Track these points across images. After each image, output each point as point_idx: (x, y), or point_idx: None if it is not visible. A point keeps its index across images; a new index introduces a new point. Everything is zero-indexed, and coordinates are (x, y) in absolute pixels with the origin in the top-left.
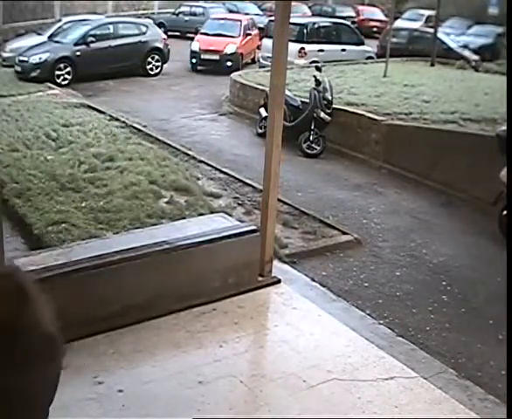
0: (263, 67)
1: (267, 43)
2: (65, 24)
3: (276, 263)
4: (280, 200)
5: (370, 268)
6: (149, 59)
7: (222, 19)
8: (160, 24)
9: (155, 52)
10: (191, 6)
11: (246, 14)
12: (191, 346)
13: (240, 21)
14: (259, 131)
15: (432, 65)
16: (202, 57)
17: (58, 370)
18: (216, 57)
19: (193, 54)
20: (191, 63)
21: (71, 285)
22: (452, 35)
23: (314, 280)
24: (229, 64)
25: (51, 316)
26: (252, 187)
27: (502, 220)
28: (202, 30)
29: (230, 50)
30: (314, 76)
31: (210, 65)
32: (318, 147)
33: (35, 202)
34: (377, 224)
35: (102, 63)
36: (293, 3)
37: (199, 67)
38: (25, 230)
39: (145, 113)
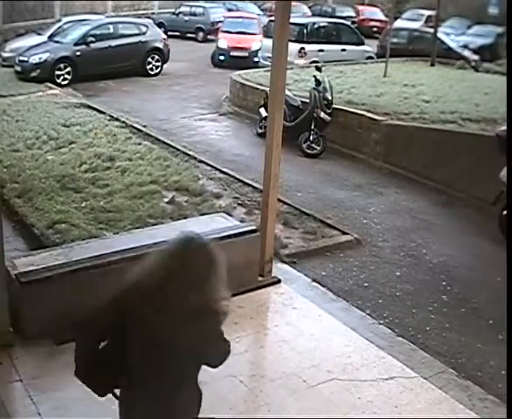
0: (263, 67)
1: (267, 43)
2: (65, 24)
3: (276, 263)
4: (280, 200)
5: (370, 268)
6: (149, 59)
7: (238, 17)
8: (160, 24)
9: (155, 52)
10: (191, 6)
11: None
12: None
13: (256, 19)
14: (259, 131)
15: (432, 65)
16: (231, 54)
17: (219, 340)
18: (245, 53)
19: (221, 51)
20: (219, 59)
21: (71, 285)
22: (452, 35)
23: (314, 280)
24: (256, 59)
25: (223, 291)
26: (253, 187)
27: (502, 220)
28: (223, 29)
29: (256, 46)
30: (314, 76)
31: (238, 62)
32: (318, 147)
33: (35, 202)
34: (377, 224)
35: (102, 63)
36: (293, 4)
37: (227, 63)
38: (26, 229)
39: (145, 113)
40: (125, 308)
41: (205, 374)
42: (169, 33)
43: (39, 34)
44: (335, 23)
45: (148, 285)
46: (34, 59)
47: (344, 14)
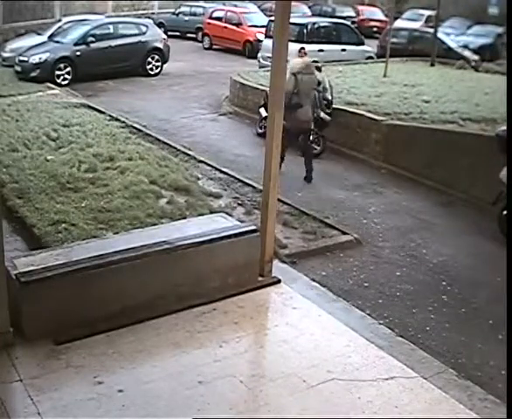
0: (263, 67)
1: (267, 43)
2: (65, 24)
3: (276, 263)
4: (280, 200)
5: (370, 268)
6: (149, 59)
7: (254, 12)
8: (160, 24)
9: (155, 52)
10: (191, 6)
11: None
12: (191, 346)
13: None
14: (259, 131)
15: (432, 65)
16: None
17: None
18: None
19: None
20: None
21: (71, 285)
22: (452, 35)
23: (314, 280)
24: None
25: None
26: (252, 187)
27: (502, 220)
28: (249, 23)
29: None
30: None
31: None
32: (318, 147)
33: (35, 202)
34: (377, 224)
35: (102, 63)
36: (293, 3)
37: None
38: (25, 230)
39: (145, 113)
40: None
41: (206, 374)
42: (169, 33)
43: (39, 34)
44: (335, 23)
45: None
46: (34, 59)
47: (344, 14)
